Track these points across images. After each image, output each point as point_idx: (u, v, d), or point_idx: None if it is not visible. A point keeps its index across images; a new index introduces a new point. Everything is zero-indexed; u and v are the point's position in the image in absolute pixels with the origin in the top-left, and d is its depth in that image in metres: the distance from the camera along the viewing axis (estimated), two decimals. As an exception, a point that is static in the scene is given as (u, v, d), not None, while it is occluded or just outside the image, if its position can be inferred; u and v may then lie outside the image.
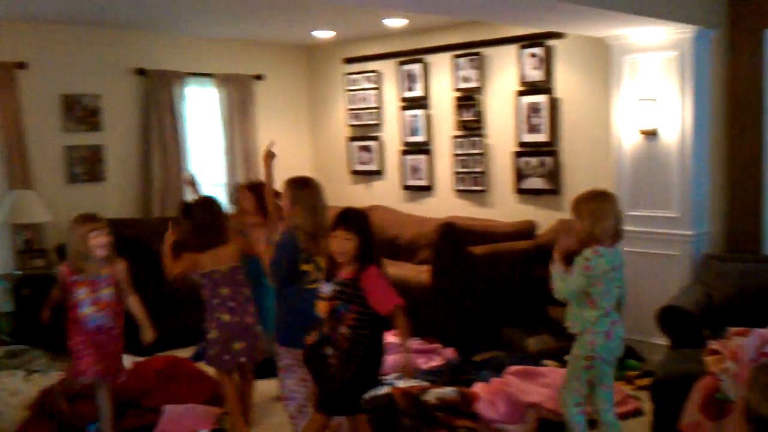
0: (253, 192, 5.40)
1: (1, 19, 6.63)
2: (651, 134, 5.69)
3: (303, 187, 4.13)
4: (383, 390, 4.87)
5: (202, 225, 4.47)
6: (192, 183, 5.64)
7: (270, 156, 4.78)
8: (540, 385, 4.57)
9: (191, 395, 4.85)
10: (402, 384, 4.99)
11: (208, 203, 4.63)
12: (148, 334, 4.32)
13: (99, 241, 4.14)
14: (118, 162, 7.56)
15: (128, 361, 5.52)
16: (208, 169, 8.21)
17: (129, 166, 7.64)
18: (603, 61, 6.15)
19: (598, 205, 3.67)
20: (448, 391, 4.73)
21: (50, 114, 7.11)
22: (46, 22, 6.94)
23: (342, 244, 3.52)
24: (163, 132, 7.66)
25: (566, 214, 6.61)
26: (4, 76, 6.67)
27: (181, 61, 7.90)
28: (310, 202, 4.07)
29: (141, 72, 7.60)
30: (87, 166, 7.31)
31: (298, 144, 9.04)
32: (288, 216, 4.14)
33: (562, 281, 3.70)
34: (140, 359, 5.50)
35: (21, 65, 6.81)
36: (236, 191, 5.75)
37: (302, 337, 3.80)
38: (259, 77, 8.53)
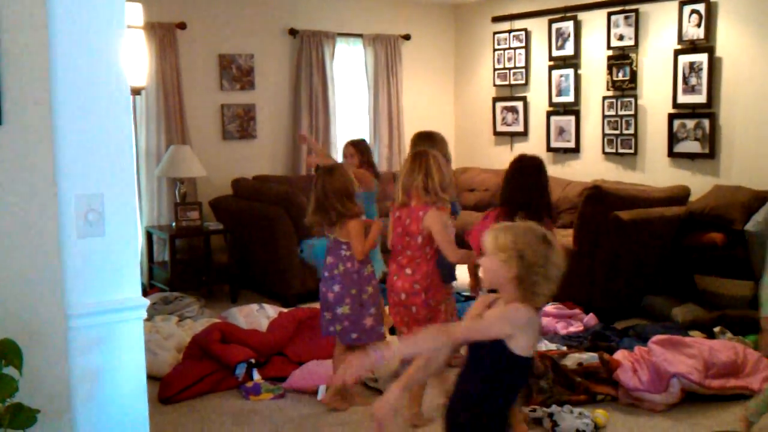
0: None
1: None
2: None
3: (424, 140, 4.60)
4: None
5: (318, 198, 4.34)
6: (305, 142, 5.71)
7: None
8: (686, 356, 4.39)
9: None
10: (541, 347, 4.94)
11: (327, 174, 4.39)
12: None
13: None
14: (269, 120, 7.81)
15: (274, 311, 5.79)
16: (353, 128, 8.35)
17: (279, 124, 7.88)
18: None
19: None
20: (588, 357, 4.64)
21: (207, 73, 7.43)
22: (204, -16, 7.24)
23: None
24: (312, 91, 7.83)
25: (722, 180, 6.29)
26: (166, 36, 7.01)
27: (331, 20, 8.03)
28: None
29: (293, 32, 7.79)
30: (239, 124, 7.60)
31: (442, 104, 9.01)
32: None
33: None
34: (285, 310, 5.73)
35: (181, 26, 7.13)
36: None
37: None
38: (406, 37, 8.55)
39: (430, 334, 2.48)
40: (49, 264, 2.22)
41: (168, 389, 4.49)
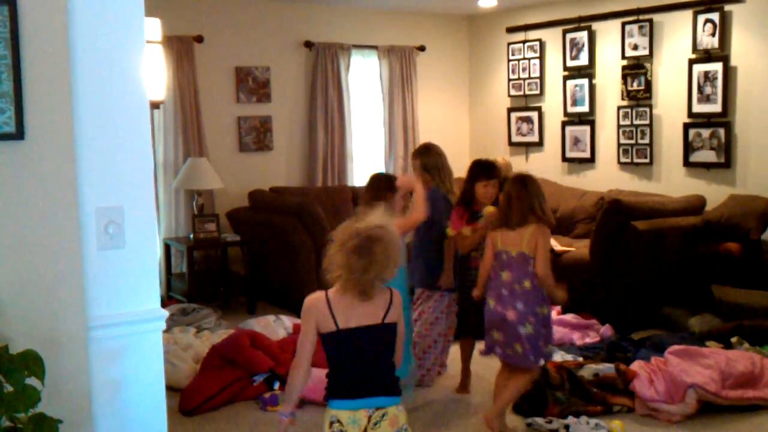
0: None
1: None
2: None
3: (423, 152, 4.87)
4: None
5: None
6: None
7: None
8: (702, 366, 4.38)
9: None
10: (557, 358, 4.94)
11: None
12: None
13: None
14: (285, 132, 7.86)
15: (291, 322, 5.82)
16: (368, 140, 8.38)
17: (294, 136, 7.93)
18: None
19: None
20: (604, 368, 4.64)
21: (224, 85, 7.49)
22: (220, -2, 7.32)
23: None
24: (327, 103, 7.88)
25: (738, 190, 6.27)
26: (183, 48, 7.08)
27: (346, 32, 8.08)
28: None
29: (308, 44, 7.84)
30: (256, 136, 7.66)
31: (457, 115, 9.03)
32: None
33: None
34: (298, 321, 5.76)
35: (198, 39, 7.20)
36: None
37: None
38: (421, 48, 8.58)
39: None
40: (71, 276, 2.26)
41: (189, 402, 4.51)
